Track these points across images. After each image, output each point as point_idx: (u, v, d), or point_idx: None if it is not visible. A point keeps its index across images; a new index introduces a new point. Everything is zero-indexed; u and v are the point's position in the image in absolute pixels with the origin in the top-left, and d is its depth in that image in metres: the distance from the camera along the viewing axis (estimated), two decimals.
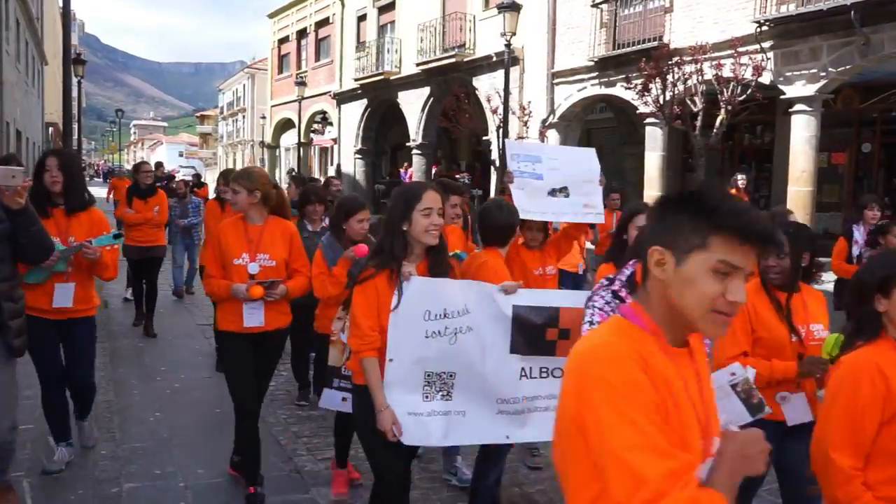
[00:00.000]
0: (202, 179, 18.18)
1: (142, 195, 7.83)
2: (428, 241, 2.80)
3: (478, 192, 20.08)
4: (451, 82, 20.02)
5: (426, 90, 22.58)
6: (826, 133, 13.39)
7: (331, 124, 30.66)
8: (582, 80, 17.03)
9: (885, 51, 11.50)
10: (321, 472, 4.32)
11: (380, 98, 25.71)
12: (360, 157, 27.32)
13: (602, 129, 20.88)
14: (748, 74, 12.19)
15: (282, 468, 4.39)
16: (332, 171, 28.36)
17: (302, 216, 5.37)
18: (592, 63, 16.44)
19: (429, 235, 2.78)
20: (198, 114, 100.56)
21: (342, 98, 28.45)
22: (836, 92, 13.52)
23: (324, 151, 35.06)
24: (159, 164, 18.26)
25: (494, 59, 18.66)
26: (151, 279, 7.90)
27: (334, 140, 30.28)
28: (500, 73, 16.24)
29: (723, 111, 12.30)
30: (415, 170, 23.36)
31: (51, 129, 34.78)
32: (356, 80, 26.26)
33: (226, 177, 6.56)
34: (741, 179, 10.92)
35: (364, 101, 26.71)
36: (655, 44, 14.37)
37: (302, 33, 34.40)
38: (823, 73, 12.31)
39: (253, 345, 3.86)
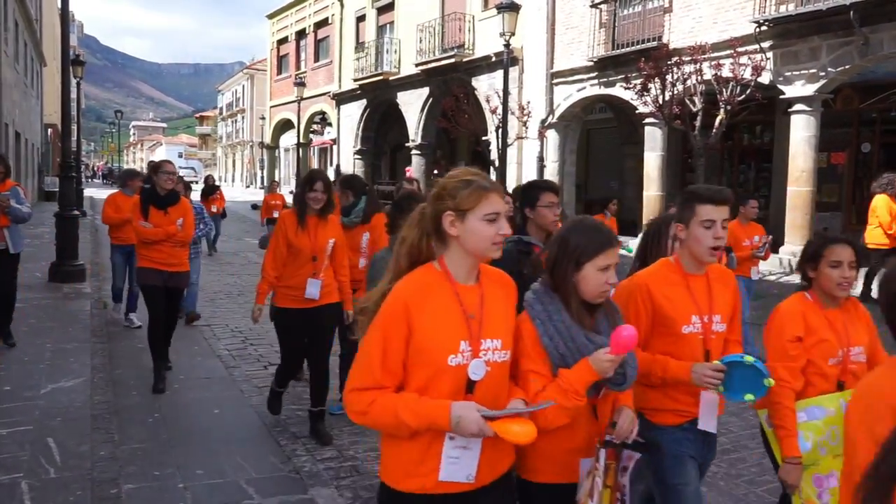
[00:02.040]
0: (216, 183, 15.82)
1: (161, 204, 6.04)
2: None
3: None
4: (451, 83, 20.05)
5: (425, 90, 22.60)
6: (825, 133, 13.39)
7: (330, 125, 30.72)
8: (581, 81, 17.04)
9: (885, 50, 11.50)
10: (320, 473, 4.31)
11: (379, 98, 25.72)
12: (359, 157, 27.34)
13: (601, 129, 20.90)
14: (747, 74, 12.19)
15: (281, 468, 4.38)
16: (331, 172, 28.36)
17: (393, 233, 3.87)
18: (592, 63, 16.46)
19: None
20: (197, 115, 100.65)
21: (341, 98, 28.47)
22: (836, 92, 13.53)
23: (323, 152, 35.09)
24: None
25: (493, 59, 18.68)
26: (173, 313, 6.22)
27: (333, 141, 30.31)
28: (500, 73, 16.23)
29: (722, 111, 12.28)
30: (414, 170, 23.37)
31: (50, 130, 34.77)
32: (355, 80, 26.29)
33: (312, 181, 4.83)
34: None
35: (363, 102, 26.73)
36: (655, 44, 14.41)
37: (301, 34, 34.46)
38: (823, 73, 12.31)
39: None
